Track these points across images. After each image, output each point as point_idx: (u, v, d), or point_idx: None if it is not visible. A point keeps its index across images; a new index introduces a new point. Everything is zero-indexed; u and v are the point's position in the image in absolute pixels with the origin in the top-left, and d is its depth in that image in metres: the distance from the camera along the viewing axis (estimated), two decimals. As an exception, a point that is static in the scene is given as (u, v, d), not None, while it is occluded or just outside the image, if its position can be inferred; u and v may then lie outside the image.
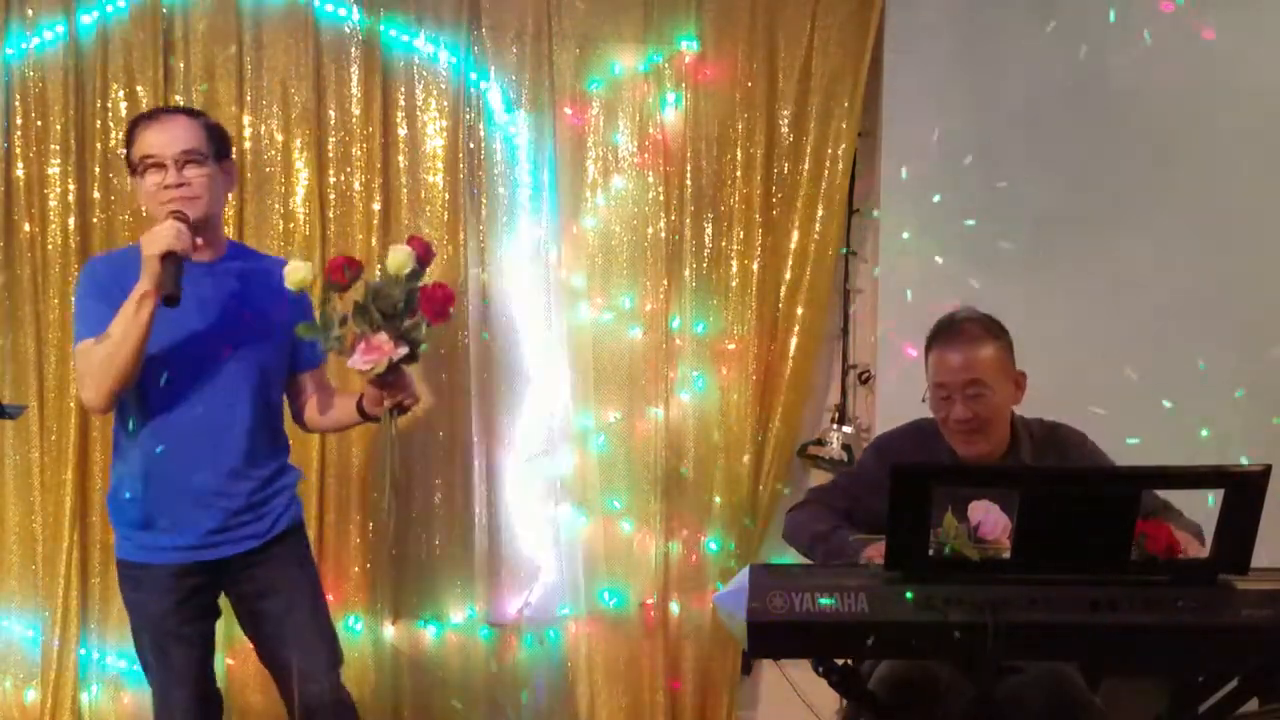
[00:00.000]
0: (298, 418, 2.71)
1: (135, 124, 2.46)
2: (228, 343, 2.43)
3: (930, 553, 2.01)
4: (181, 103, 3.32)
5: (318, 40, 3.38)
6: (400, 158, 3.46)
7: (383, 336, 2.30)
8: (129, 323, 2.30)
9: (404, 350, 2.31)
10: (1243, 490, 1.95)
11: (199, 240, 2.37)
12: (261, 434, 2.51)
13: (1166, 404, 3.55)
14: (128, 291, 2.32)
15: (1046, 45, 3.58)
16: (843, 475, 2.87)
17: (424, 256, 2.35)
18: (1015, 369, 2.54)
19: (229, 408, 2.43)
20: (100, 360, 2.33)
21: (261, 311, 2.49)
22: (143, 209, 2.52)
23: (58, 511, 3.31)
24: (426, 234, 3.46)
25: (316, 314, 2.37)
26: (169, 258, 2.26)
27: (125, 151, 2.47)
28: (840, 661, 2.20)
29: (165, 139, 2.41)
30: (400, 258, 2.31)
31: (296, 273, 2.33)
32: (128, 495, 2.46)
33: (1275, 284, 3.58)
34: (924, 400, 2.57)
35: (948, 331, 2.55)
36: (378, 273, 2.41)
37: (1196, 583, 1.99)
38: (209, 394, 2.41)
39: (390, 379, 2.37)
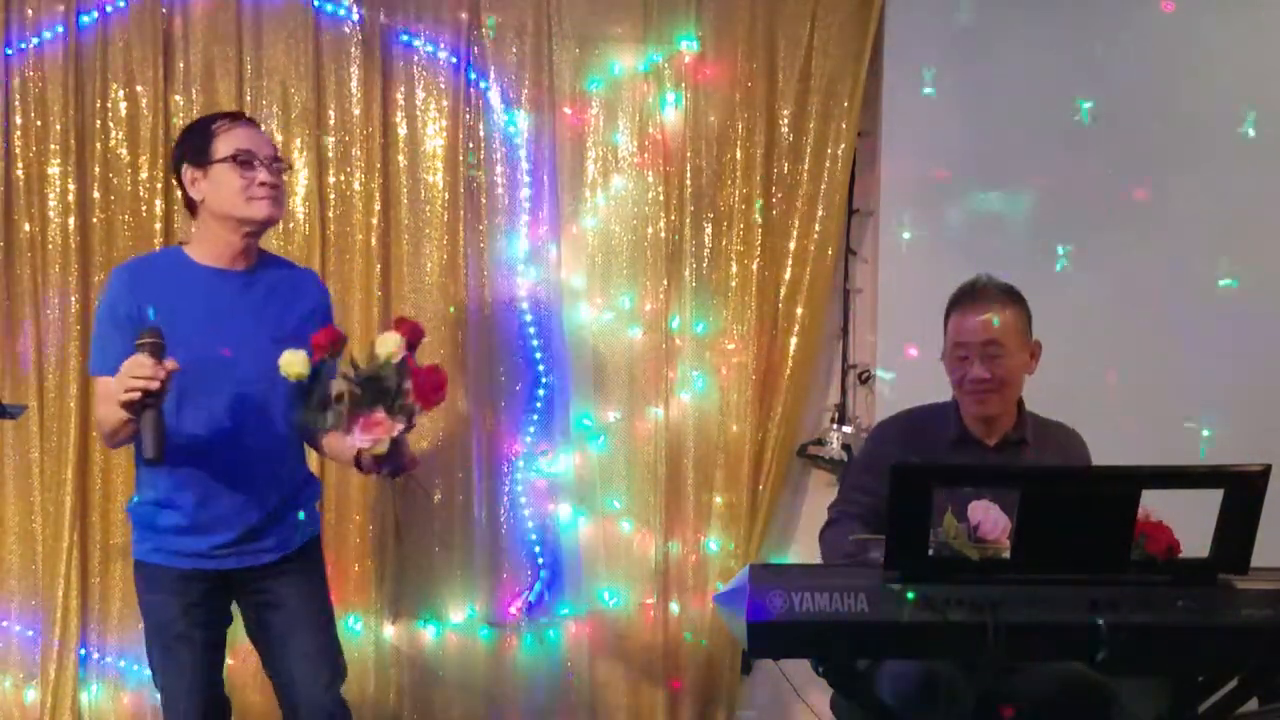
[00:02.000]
0: (311, 439, 2.62)
1: (216, 120, 2.44)
2: (246, 357, 2.38)
3: (930, 553, 2.01)
4: (181, 103, 3.34)
5: (318, 40, 3.38)
6: (400, 158, 3.46)
7: (380, 414, 2.25)
8: (104, 421, 2.32)
9: (402, 425, 2.26)
10: (1243, 490, 1.95)
11: (170, 363, 2.20)
12: (281, 449, 2.48)
13: (1167, 404, 3.55)
14: (135, 306, 2.31)
15: (1046, 45, 3.58)
16: (850, 473, 2.86)
17: (413, 338, 2.29)
18: (1031, 338, 2.60)
19: (248, 422, 2.38)
20: (101, 424, 2.34)
21: (281, 323, 2.45)
22: (200, 200, 2.43)
23: (58, 511, 3.31)
24: (426, 234, 3.47)
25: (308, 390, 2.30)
26: (141, 409, 2.18)
27: (197, 144, 2.41)
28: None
29: (259, 140, 2.43)
30: (390, 346, 2.25)
31: (293, 366, 2.25)
32: (147, 502, 2.46)
33: (1277, 283, 3.58)
34: (941, 358, 2.61)
35: (969, 294, 2.61)
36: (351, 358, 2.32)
37: (1196, 583, 1.99)
38: (228, 408, 2.37)
39: (391, 452, 2.32)
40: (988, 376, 2.53)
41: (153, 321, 2.28)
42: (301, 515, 2.56)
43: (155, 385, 2.16)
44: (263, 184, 2.40)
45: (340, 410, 2.25)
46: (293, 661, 2.50)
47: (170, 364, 2.20)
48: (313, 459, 2.82)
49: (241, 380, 2.40)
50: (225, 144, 2.40)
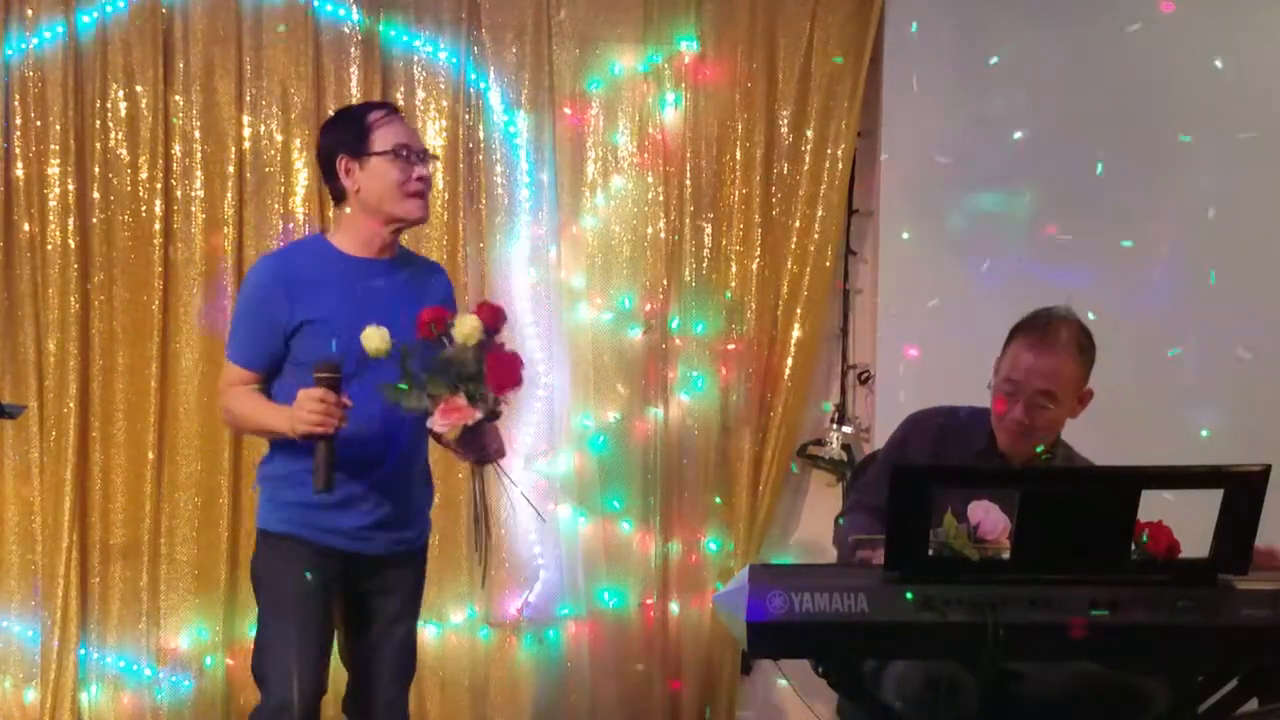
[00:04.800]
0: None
1: (371, 111, 2.44)
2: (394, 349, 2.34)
3: (930, 553, 2.01)
4: (181, 103, 3.34)
5: (318, 40, 3.38)
6: (400, 158, 3.45)
7: (460, 400, 2.23)
8: (256, 427, 2.37)
9: (479, 415, 2.25)
10: (1243, 490, 1.95)
11: (346, 399, 2.24)
12: (417, 441, 2.48)
13: (1167, 404, 3.55)
14: (285, 301, 2.33)
15: (1045, 45, 3.58)
16: (876, 464, 2.75)
17: (492, 324, 2.28)
18: (1086, 386, 2.46)
19: (394, 413, 2.32)
20: (230, 416, 2.40)
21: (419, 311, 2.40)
22: (355, 191, 2.40)
23: (57, 511, 3.31)
24: (426, 234, 3.46)
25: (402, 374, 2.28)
26: (323, 442, 2.22)
27: (354, 134, 2.39)
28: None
29: (414, 135, 2.45)
30: (467, 328, 2.24)
31: (371, 340, 2.23)
32: (285, 474, 2.42)
33: (1276, 282, 3.58)
34: (989, 386, 2.47)
35: (1040, 330, 2.42)
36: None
37: (1196, 583, 1.98)
38: (375, 394, 2.30)
39: (471, 439, 2.33)
40: (1028, 422, 2.40)
41: (333, 355, 2.27)
42: (422, 515, 2.57)
43: (334, 424, 2.21)
44: (420, 178, 2.40)
45: (424, 392, 2.24)
46: (384, 652, 2.50)
47: (346, 400, 2.23)
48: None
49: (374, 371, 2.34)
50: (385, 137, 2.39)
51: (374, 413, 2.33)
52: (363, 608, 2.52)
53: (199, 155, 3.35)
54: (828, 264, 3.60)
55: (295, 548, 2.41)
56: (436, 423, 2.24)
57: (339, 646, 2.56)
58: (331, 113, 2.65)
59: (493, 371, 2.24)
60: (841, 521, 2.61)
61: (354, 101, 3.40)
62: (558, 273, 3.54)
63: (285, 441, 2.37)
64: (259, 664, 2.44)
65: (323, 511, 2.39)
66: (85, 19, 3.27)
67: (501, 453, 2.41)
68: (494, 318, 2.28)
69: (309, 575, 2.38)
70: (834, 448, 3.65)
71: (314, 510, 2.38)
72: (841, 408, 3.72)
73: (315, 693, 2.40)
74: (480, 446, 2.36)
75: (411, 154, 2.40)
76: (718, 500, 3.63)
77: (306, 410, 2.21)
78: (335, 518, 2.40)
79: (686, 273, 3.59)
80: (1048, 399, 2.39)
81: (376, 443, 2.39)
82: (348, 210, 2.45)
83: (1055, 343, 2.40)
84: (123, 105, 3.32)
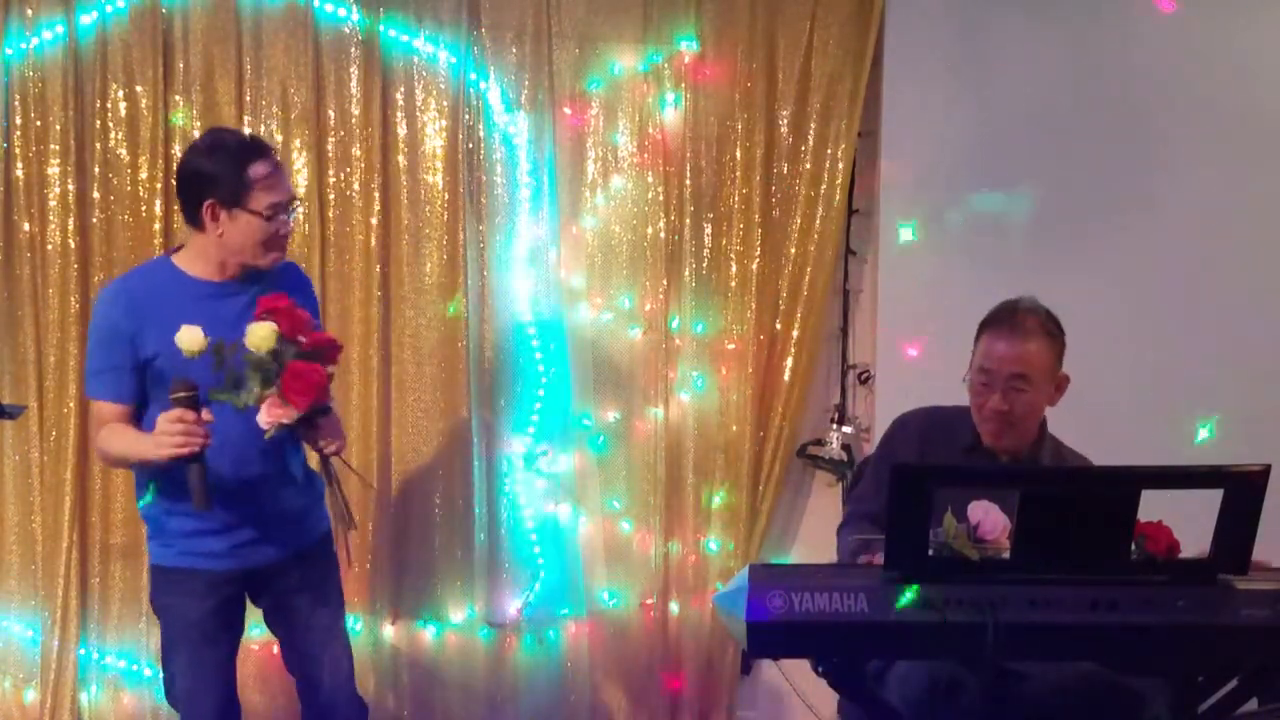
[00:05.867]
0: None
1: (252, 162, 2.35)
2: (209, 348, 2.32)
3: (930, 553, 2.01)
4: (181, 103, 3.33)
5: (317, 40, 3.38)
6: (400, 158, 3.45)
7: (276, 399, 2.21)
8: (136, 460, 2.34)
9: (294, 414, 2.21)
10: (1242, 490, 1.95)
11: (207, 414, 2.23)
12: (290, 448, 2.48)
13: (1167, 404, 3.55)
14: (135, 332, 2.31)
15: (1046, 45, 3.58)
16: (869, 469, 2.79)
17: (289, 332, 2.21)
18: (1061, 371, 2.50)
19: (250, 422, 2.31)
20: (104, 458, 2.38)
21: None
22: (217, 234, 2.37)
23: (57, 511, 3.31)
24: (426, 234, 3.46)
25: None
26: (194, 463, 2.22)
27: (232, 187, 2.34)
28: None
29: (287, 186, 2.42)
30: (256, 337, 2.20)
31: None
32: (158, 508, 2.44)
33: (1276, 282, 3.58)
34: (964, 380, 2.52)
35: (1007, 320, 2.48)
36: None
37: (1196, 583, 1.99)
38: (229, 412, 2.30)
39: (302, 433, 2.32)
40: (1006, 409, 2.44)
41: (189, 374, 2.25)
42: (311, 511, 2.58)
43: (199, 443, 2.19)
44: (283, 235, 2.40)
45: (253, 390, 2.21)
46: (314, 644, 2.51)
47: (207, 415, 2.22)
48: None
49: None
50: (263, 197, 2.35)
51: (237, 435, 2.34)
52: (281, 612, 2.54)
53: (199, 155, 3.35)
54: (828, 264, 3.60)
55: (188, 580, 2.44)
56: (260, 419, 2.22)
57: (283, 660, 2.60)
58: (206, 139, 2.49)
59: (288, 386, 2.19)
60: (842, 533, 2.63)
61: (354, 101, 3.40)
62: (558, 273, 3.54)
63: (158, 474, 2.39)
64: (169, 694, 2.51)
65: (208, 537, 2.41)
66: (85, 19, 3.27)
67: (336, 449, 2.39)
68: (292, 326, 2.22)
69: (204, 605, 2.42)
70: (834, 448, 3.65)
71: (199, 538, 2.42)
72: (841, 408, 3.72)
73: (225, 710, 2.47)
74: (312, 440, 2.36)
75: (282, 210, 2.38)
76: (718, 500, 3.63)
77: (167, 435, 2.20)
78: (221, 540, 2.42)
79: (686, 273, 3.58)
80: (1023, 382, 2.43)
81: (247, 464, 2.39)
82: (200, 240, 2.42)
83: (1023, 330, 2.46)
84: (123, 105, 3.32)
